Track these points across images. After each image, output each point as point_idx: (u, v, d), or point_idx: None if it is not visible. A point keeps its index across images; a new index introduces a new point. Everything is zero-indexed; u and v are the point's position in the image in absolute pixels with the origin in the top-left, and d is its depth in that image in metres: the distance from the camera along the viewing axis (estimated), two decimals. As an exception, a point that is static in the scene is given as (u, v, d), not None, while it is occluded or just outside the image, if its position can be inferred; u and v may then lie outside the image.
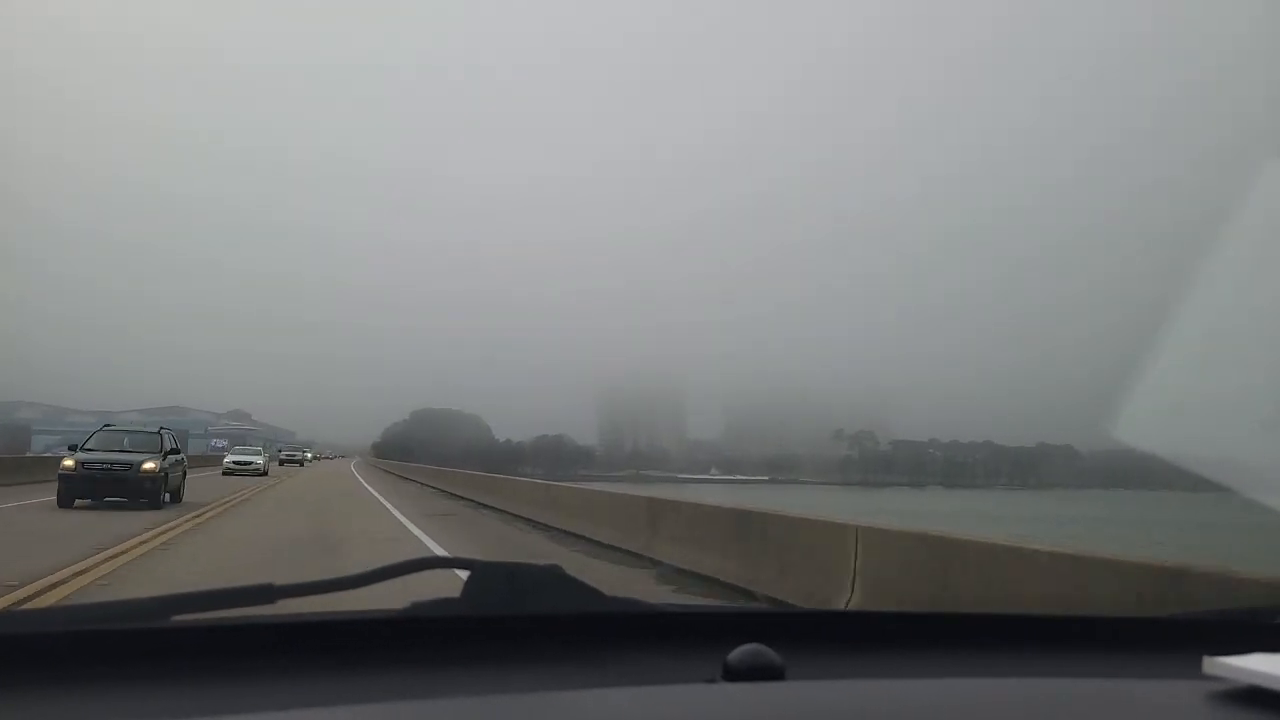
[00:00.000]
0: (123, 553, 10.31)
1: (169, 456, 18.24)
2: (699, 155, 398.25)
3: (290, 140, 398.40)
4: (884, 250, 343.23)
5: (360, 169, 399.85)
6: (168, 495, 18.08)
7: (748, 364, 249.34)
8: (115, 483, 17.17)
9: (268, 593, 1.21)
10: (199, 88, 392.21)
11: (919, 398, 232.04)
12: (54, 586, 7.82)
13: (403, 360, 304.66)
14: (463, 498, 25.35)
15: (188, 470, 20.57)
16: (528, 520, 16.99)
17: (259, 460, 41.20)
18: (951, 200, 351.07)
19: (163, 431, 19.04)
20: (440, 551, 11.83)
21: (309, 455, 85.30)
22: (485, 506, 21.46)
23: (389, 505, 22.15)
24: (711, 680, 1.09)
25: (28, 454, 53.49)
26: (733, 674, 1.08)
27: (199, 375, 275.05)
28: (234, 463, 40.38)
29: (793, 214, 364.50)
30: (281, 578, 1.26)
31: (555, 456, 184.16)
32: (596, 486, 20.02)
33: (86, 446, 17.84)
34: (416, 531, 15.10)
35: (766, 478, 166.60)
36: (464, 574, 1.29)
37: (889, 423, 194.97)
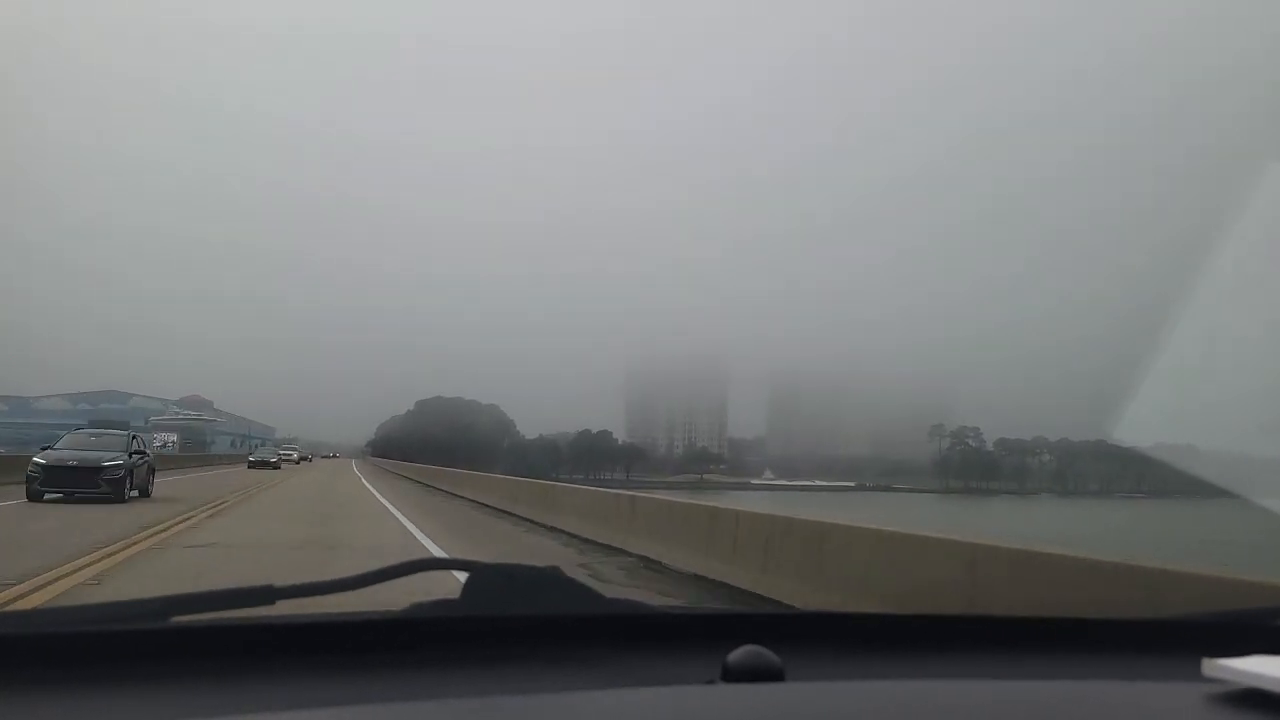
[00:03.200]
0: None
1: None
2: (723, 123, 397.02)
3: (265, 102, 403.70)
4: (955, 206, 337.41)
5: (353, 138, 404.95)
6: None
7: (790, 358, 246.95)
8: None
9: (268, 594, 1.51)
10: (146, 39, 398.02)
11: (1008, 388, 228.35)
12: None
13: (402, 349, 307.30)
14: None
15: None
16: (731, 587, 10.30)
17: (118, 463, 22.53)
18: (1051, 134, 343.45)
19: None
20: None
21: (273, 459, 68.12)
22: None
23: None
24: (711, 682, 1.34)
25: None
26: (732, 675, 1.33)
27: (146, 356, 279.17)
28: (42, 469, 21.91)
29: (835, 178, 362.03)
30: (282, 579, 1.55)
31: (595, 457, 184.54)
32: (665, 496, 17.53)
33: None
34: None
35: (853, 484, 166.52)
36: (464, 575, 1.57)
37: (955, 417, 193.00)
